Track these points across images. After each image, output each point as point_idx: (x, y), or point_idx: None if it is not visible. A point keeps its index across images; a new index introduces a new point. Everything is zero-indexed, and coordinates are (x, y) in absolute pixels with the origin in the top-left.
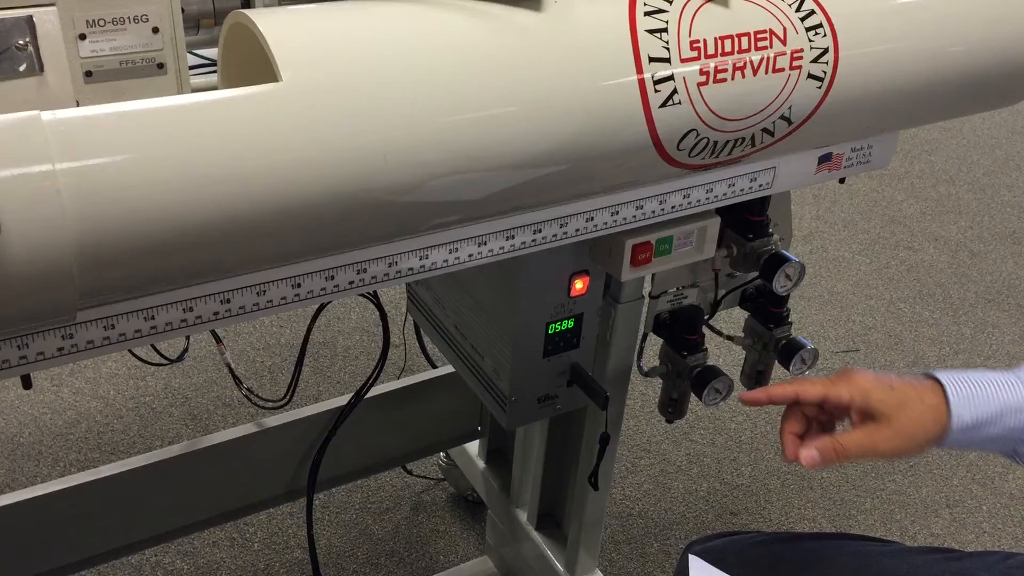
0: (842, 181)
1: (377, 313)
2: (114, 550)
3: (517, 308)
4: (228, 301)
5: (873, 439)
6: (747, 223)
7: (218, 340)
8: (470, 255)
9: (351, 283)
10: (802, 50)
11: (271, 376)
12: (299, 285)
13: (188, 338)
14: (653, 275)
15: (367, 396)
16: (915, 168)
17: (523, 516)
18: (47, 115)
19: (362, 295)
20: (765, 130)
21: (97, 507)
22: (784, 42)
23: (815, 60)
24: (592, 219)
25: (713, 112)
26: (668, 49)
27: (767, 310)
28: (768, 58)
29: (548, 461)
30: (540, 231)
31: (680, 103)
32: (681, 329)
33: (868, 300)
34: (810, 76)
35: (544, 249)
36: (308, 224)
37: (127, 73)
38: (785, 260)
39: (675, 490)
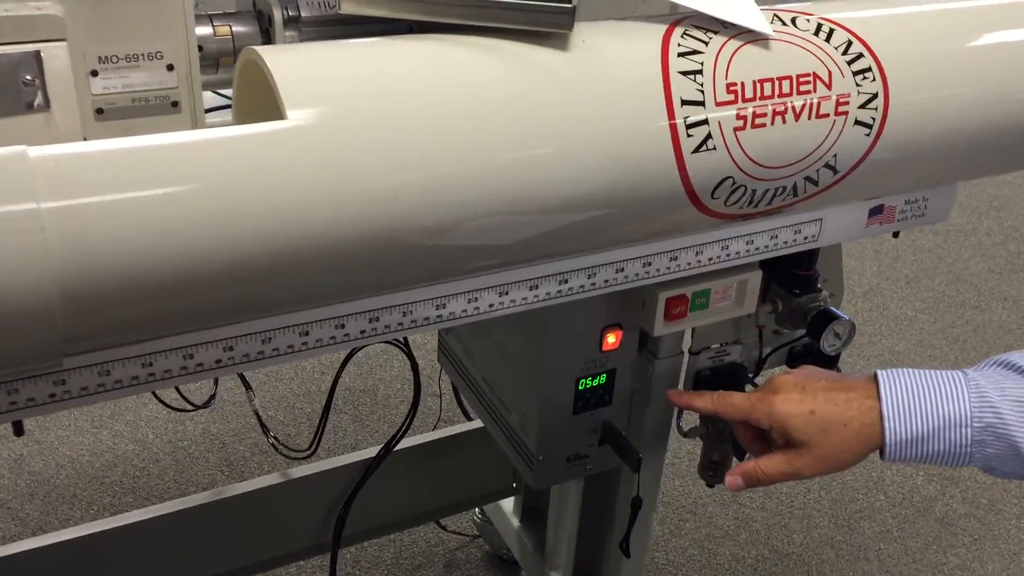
0: (896, 235)
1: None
2: None
3: (545, 362)
4: (231, 348)
5: (794, 465)
6: (794, 278)
7: (247, 387)
8: (491, 305)
9: (363, 332)
10: (849, 95)
11: (309, 423)
12: (307, 333)
13: (216, 383)
14: (693, 330)
15: (398, 448)
16: (983, 224)
17: None
18: (35, 151)
19: (392, 343)
20: (808, 179)
21: (117, 554)
22: (829, 86)
23: (863, 106)
24: (623, 270)
25: (751, 159)
26: (703, 92)
27: None
28: (811, 103)
29: (583, 522)
30: (566, 281)
31: (715, 149)
32: (723, 387)
33: (932, 361)
34: (857, 123)
35: (570, 301)
36: (307, 269)
37: (140, 111)
38: (834, 318)
39: (721, 556)
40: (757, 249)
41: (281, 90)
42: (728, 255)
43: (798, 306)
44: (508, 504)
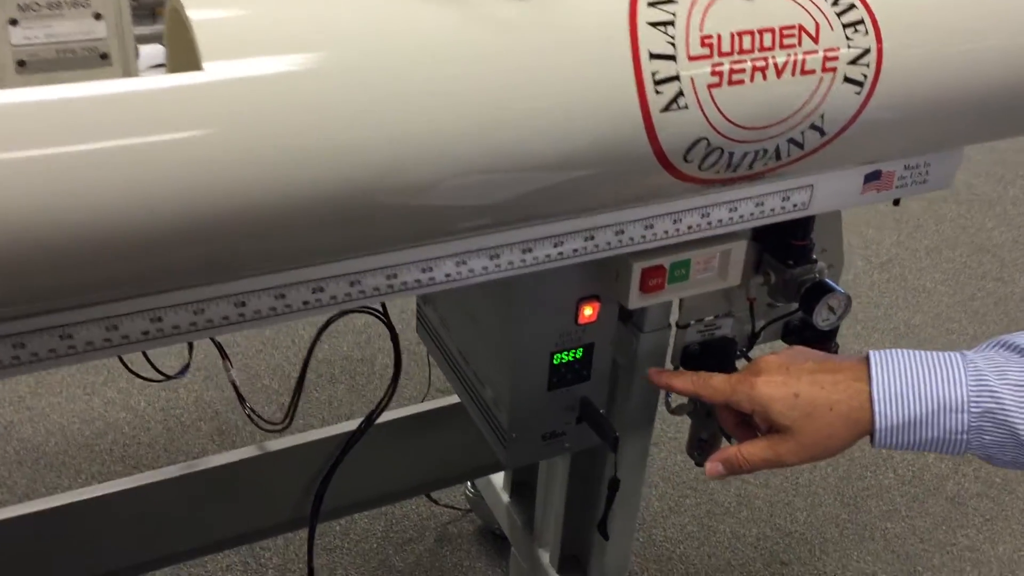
0: (896, 203)
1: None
2: (114, 571)
3: (515, 335)
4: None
5: (777, 451)
6: (788, 248)
7: (223, 356)
8: (447, 275)
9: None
10: (838, 49)
11: (304, 394)
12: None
13: (190, 353)
14: (680, 302)
15: (382, 421)
16: (1008, 193)
17: (545, 557)
18: None
19: (369, 312)
20: (792, 141)
21: (96, 524)
22: (816, 40)
23: (853, 61)
24: (592, 238)
25: (728, 119)
26: (674, 45)
27: (812, 346)
28: (795, 58)
29: (570, 500)
30: (530, 250)
31: (687, 107)
32: (712, 363)
33: (949, 335)
34: (847, 80)
35: (535, 271)
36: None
37: (66, 64)
38: (828, 290)
39: (721, 533)
40: (741, 217)
41: (199, 39)
42: (709, 223)
43: (791, 278)
44: (499, 479)
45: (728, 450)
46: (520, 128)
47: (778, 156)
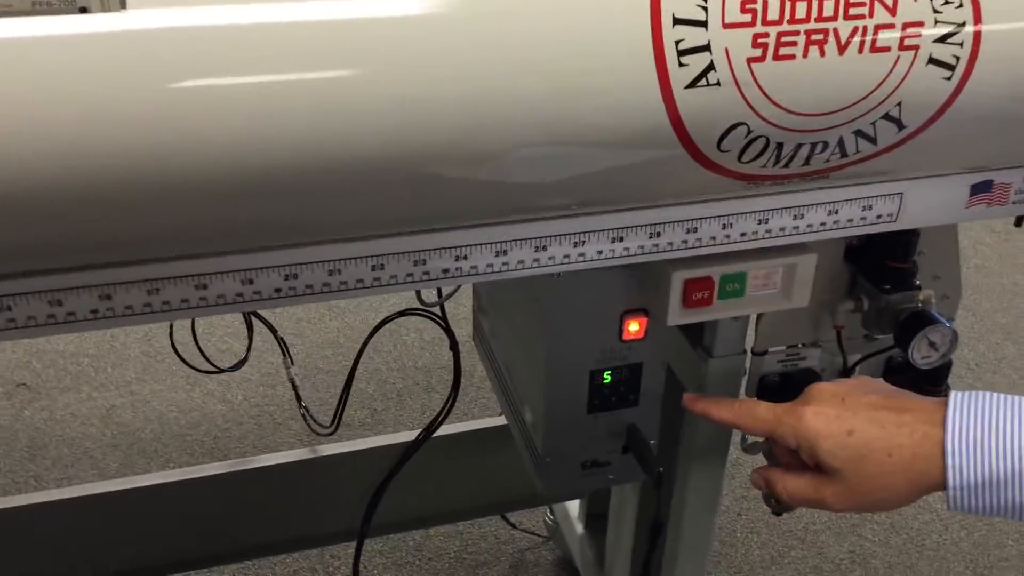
0: (1018, 223)
1: None
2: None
3: (548, 347)
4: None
5: (820, 493)
6: (885, 270)
7: (284, 353)
8: (445, 271)
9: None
10: (921, 24)
11: (399, 398)
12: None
13: (249, 347)
14: (757, 326)
15: (440, 434)
16: None
17: None
18: None
19: (426, 316)
20: (861, 134)
21: (110, 517)
22: (892, 10)
23: (942, 39)
24: (621, 239)
25: (773, 101)
26: (706, 8)
27: (920, 389)
28: (864, 31)
29: (639, 537)
30: (545, 248)
31: (719, 84)
32: (792, 398)
33: None
34: (932, 61)
35: (548, 272)
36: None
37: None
38: (929, 322)
39: None
40: (810, 227)
41: None
42: (769, 231)
43: (887, 305)
44: (575, 508)
45: (773, 472)
46: (514, 100)
47: (843, 151)
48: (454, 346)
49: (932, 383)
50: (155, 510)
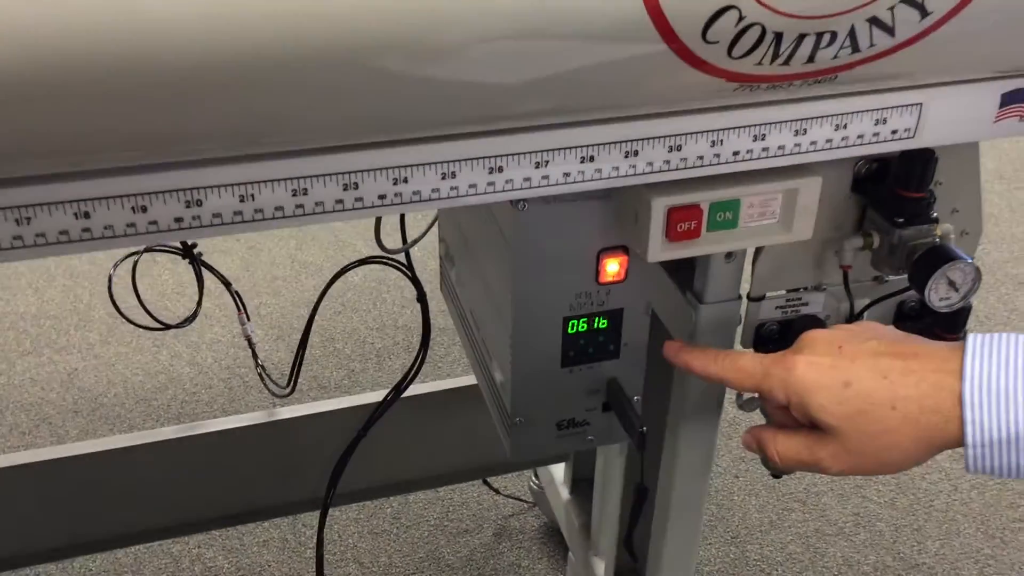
0: None
1: None
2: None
3: (514, 290)
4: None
5: (815, 455)
6: (898, 201)
7: (239, 308)
8: (383, 197)
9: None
10: None
11: (377, 358)
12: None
13: (200, 301)
14: (752, 267)
15: (414, 394)
16: None
17: (601, 568)
18: None
19: (390, 264)
20: (877, 23)
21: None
22: None
23: None
24: (592, 159)
25: None
26: None
27: (936, 337)
28: None
29: (627, 501)
30: (501, 170)
31: None
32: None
33: None
34: None
35: (502, 199)
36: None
37: None
38: (948, 258)
39: (830, 558)
40: (813, 144)
41: None
42: (766, 150)
43: (901, 241)
44: (560, 472)
45: (765, 431)
46: None
47: (854, 45)
48: (422, 297)
49: (949, 329)
50: (110, 477)
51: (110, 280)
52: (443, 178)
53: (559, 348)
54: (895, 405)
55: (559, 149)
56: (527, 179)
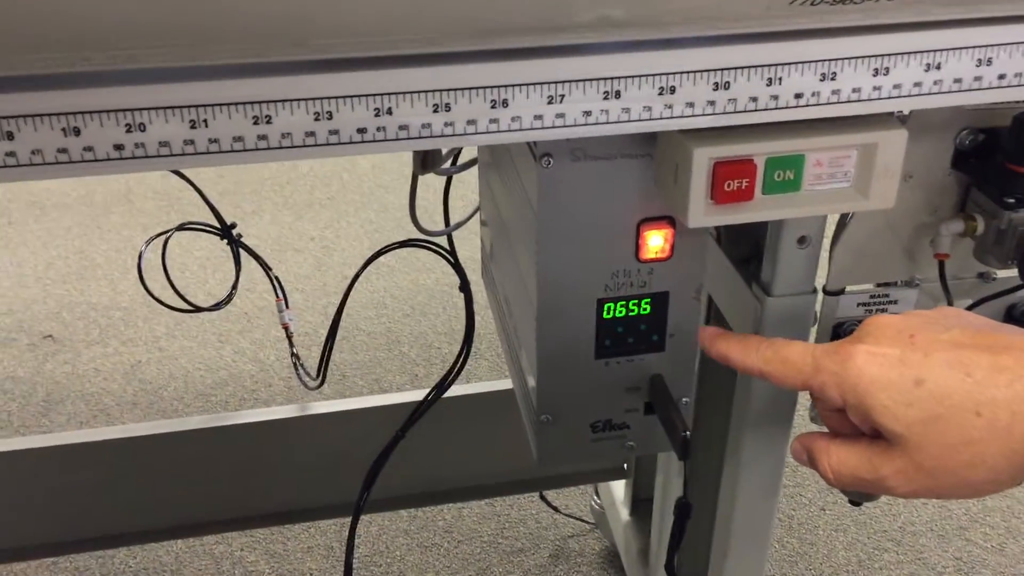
0: None
1: None
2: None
3: (538, 264)
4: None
5: (877, 470)
6: (1009, 178)
7: (277, 295)
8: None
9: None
10: None
11: (443, 364)
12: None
13: (234, 287)
14: (830, 255)
15: (463, 394)
16: None
17: None
18: None
19: (429, 248)
20: None
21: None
22: None
23: None
24: (618, 95)
25: None
26: None
27: None
28: None
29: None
30: (506, 104)
31: None
32: None
33: None
34: None
35: (504, 140)
36: None
37: None
38: None
39: None
40: (897, 88)
41: None
42: (836, 93)
43: (1011, 225)
44: (621, 490)
45: (818, 440)
46: None
47: None
48: (465, 286)
49: None
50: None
51: (140, 257)
52: (435, 111)
53: (592, 336)
54: (980, 410)
55: (576, 81)
56: (538, 117)
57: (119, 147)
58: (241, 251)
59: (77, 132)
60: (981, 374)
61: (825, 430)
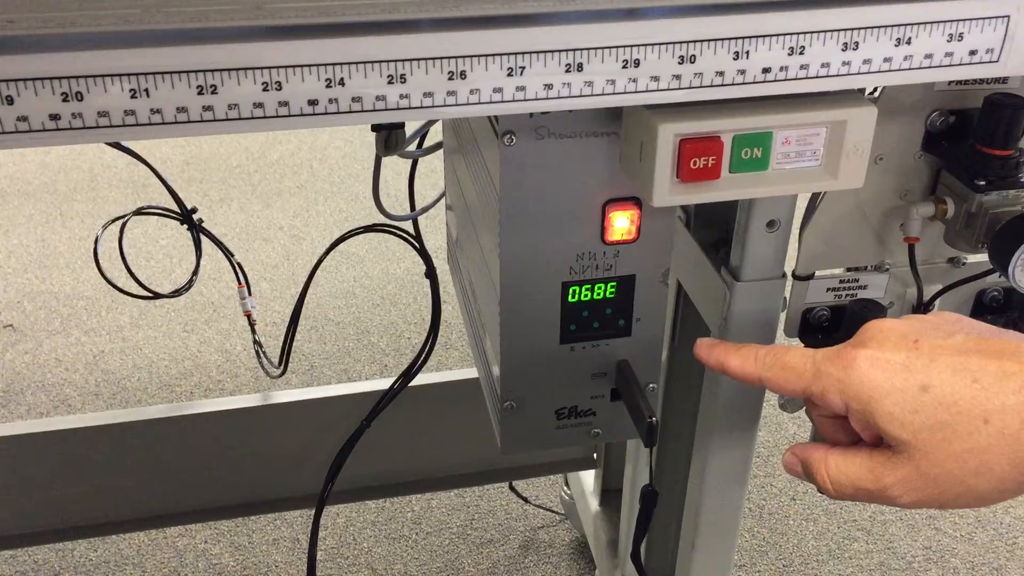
0: None
1: None
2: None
3: (501, 246)
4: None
5: (880, 479)
6: (980, 160)
7: (240, 281)
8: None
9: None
10: None
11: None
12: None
13: (195, 273)
14: (799, 238)
15: (431, 382)
16: None
17: None
18: None
19: (397, 235)
20: None
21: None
22: None
23: None
24: (580, 68)
25: None
26: None
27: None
28: None
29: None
30: (464, 76)
31: None
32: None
33: None
34: None
35: (462, 115)
36: None
37: None
38: None
39: None
40: (867, 63)
41: None
42: (805, 67)
43: (981, 208)
44: (591, 480)
45: (814, 451)
46: None
47: None
48: (431, 272)
49: None
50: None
51: (96, 242)
52: (389, 82)
53: (557, 320)
54: (988, 417)
55: (537, 52)
56: (498, 90)
57: (55, 117)
58: (205, 238)
59: (10, 101)
60: (988, 380)
61: (806, 440)
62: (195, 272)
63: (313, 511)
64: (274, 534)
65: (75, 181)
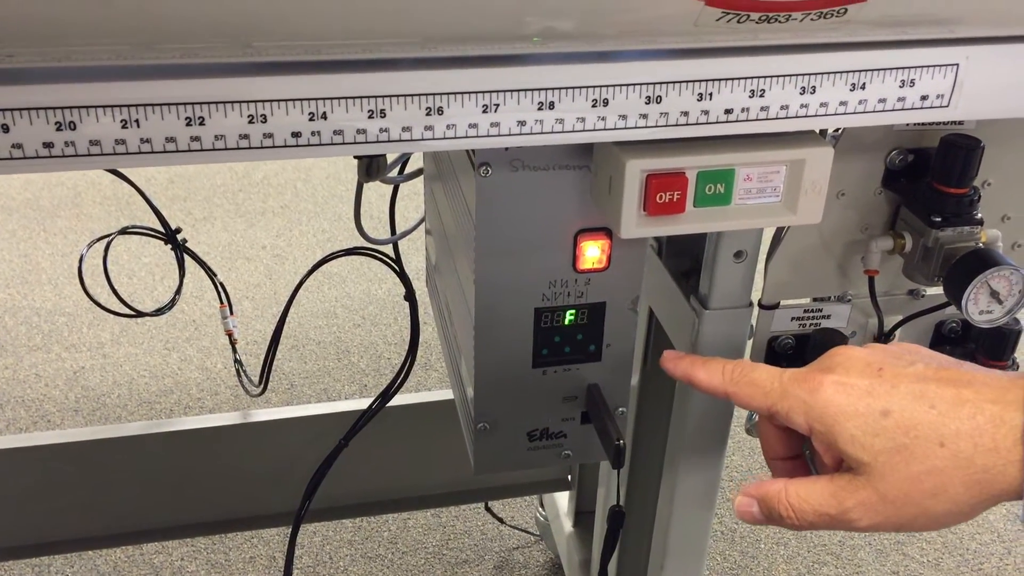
0: None
1: None
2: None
3: (476, 271)
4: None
5: (842, 503)
6: (936, 198)
7: (222, 300)
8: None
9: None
10: None
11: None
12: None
13: (177, 292)
14: (765, 270)
15: (409, 403)
16: None
17: None
18: None
19: (376, 257)
20: None
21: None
22: None
23: None
24: (552, 106)
25: None
26: None
27: (979, 362)
28: None
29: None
30: (441, 112)
31: None
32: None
33: None
34: None
35: (439, 148)
36: None
37: None
38: (992, 263)
39: None
40: (824, 106)
41: None
42: (765, 110)
43: (937, 243)
44: (565, 501)
45: (771, 485)
46: None
47: None
48: (410, 295)
49: (994, 355)
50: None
51: (81, 260)
52: (370, 117)
53: (530, 345)
54: (944, 441)
55: (511, 91)
56: (473, 125)
57: (48, 145)
58: (188, 257)
59: (6, 129)
60: (945, 406)
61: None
62: (178, 291)
63: (290, 529)
64: (251, 552)
65: (59, 197)
